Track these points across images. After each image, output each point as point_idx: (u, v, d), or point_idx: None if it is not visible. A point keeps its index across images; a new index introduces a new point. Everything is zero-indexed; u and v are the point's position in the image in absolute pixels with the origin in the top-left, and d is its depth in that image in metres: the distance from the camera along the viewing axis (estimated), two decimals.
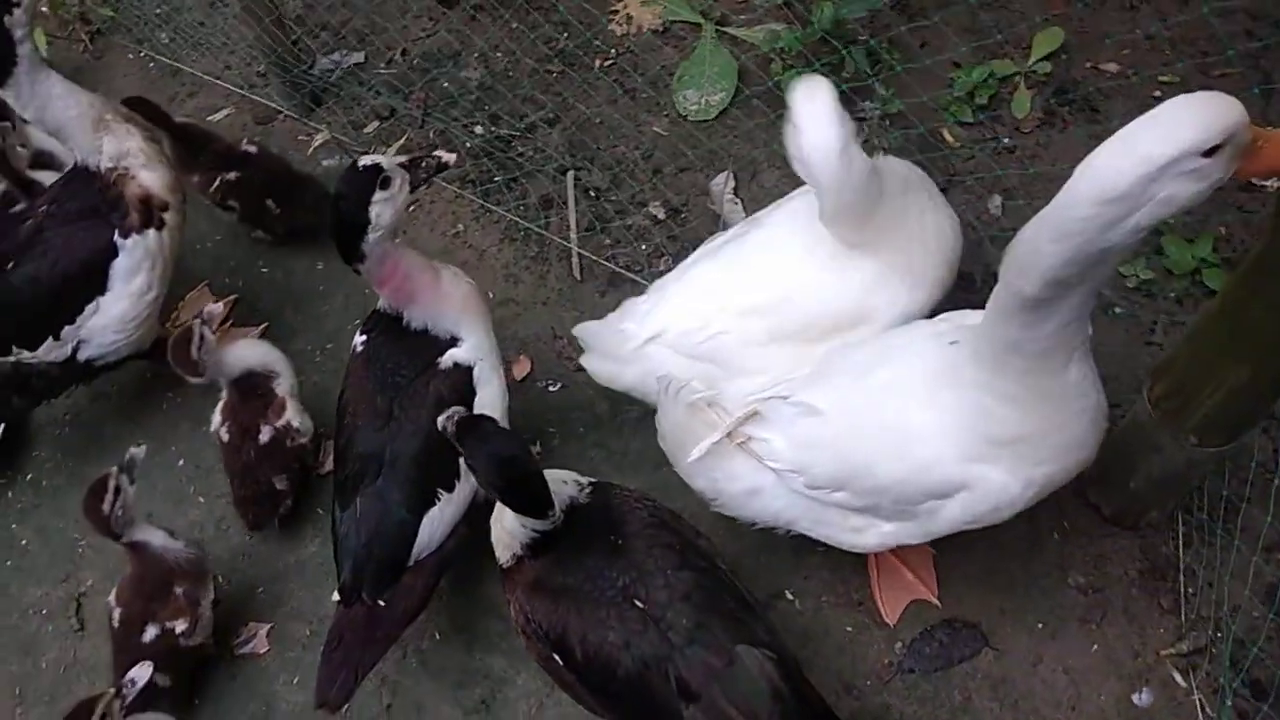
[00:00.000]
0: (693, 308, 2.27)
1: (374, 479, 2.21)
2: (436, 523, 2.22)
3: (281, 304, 3.11)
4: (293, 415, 2.64)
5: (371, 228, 2.01)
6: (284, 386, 2.65)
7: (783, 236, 2.30)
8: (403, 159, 2.06)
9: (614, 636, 1.93)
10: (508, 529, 2.03)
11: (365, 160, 2.02)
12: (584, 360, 2.43)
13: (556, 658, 2.03)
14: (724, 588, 2.05)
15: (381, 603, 2.19)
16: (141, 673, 2.21)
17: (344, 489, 2.24)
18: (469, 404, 2.25)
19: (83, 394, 3.04)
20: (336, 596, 2.24)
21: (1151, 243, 2.72)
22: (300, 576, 2.68)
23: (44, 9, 3.70)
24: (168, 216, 2.60)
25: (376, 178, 2.00)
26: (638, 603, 1.96)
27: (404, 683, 2.48)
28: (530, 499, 1.92)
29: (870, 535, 2.10)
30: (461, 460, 1.99)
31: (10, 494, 2.93)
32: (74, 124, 2.45)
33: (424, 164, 2.08)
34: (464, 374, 2.25)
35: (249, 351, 2.67)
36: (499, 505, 2.06)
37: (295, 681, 2.53)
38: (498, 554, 2.12)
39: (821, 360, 2.13)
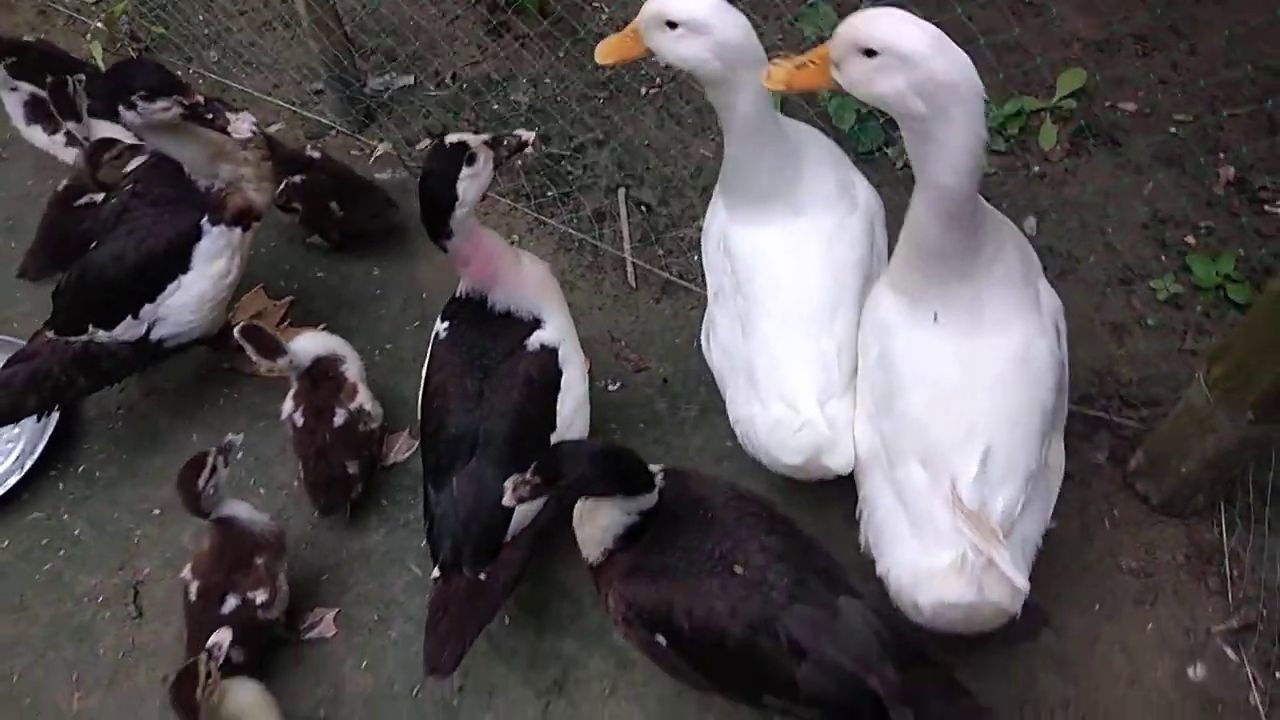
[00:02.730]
0: (808, 360, 2.28)
1: (468, 458, 2.26)
2: None
3: (337, 307, 3.18)
4: (364, 399, 2.70)
5: (459, 203, 2.11)
6: (353, 371, 2.72)
7: (779, 263, 2.37)
8: (486, 137, 2.15)
9: (720, 605, 1.99)
10: (601, 525, 2.09)
11: (451, 138, 2.11)
12: (829, 463, 2.24)
13: (661, 640, 2.08)
14: (813, 547, 2.14)
15: (483, 576, 2.23)
16: (223, 636, 2.22)
17: (438, 470, 2.29)
18: (556, 383, 2.34)
19: (136, 389, 3.06)
20: (436, 573, 2.27)
21: (1178, 260, 2.94)
22: (365, 564, 2.70)
23: (99, 24, 3.78)
24: (255, 223, 2.72)
25: (463, 155, 2.10)
26: (737, 569, 2.04)
27: (475, 666, 2.50)
28: (639, 475, 2.01)
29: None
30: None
31: (61, 485, 2.92)
32: (187, 158, 2.57)
33: (505, 143, 2.18)
34: (550, 355, 2.33)
35: (314, 342, 2.73)
36: (583, 508, 2.14)
37: (364, 665, 2.54)
38: (586, 553, 2.18)
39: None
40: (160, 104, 2.36)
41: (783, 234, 2.36)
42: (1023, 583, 1.92)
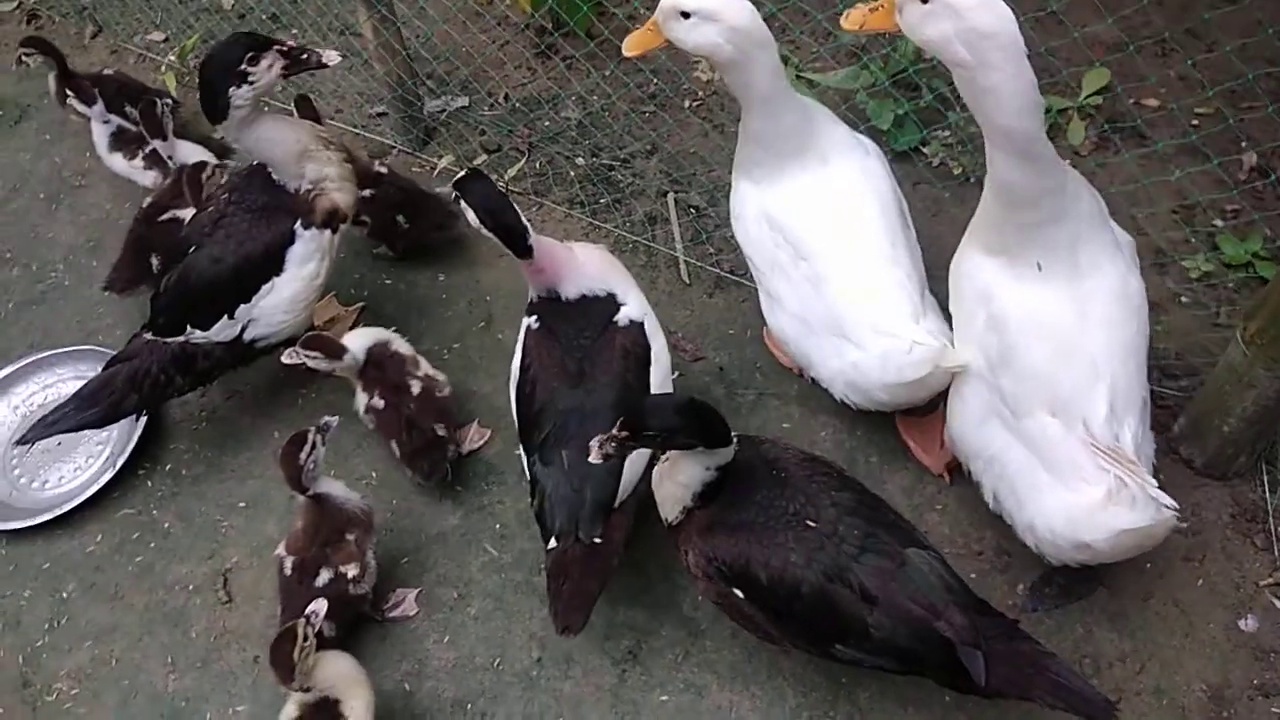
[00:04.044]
0: (888, 291, 2.48)
1: (577, 431, 2.38)
2: (635, 465, 2.39)
3: (406, 312, 3.34)
4: (428, 367, 2.88)
5: (529, 233, 2.37)
6: (405, 348, 2.90)
7: (827, 211, 2.56)
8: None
9: (795, 557, 2.12)
10: (682, 481, 2.22)
11: (478, 179, 2.39)
12: (952, 363, 2.39)
13: (738, 592, 2.21)
14: (882, 504, 2.27)
15: (598, 540, 2.33)
16: (320, 605, 2.36)
17: (545, 446, 2.40)
18: (647, 356, 2.49)
19: (218, 392, 3.22)
20: (552, 544, 2.36)
21: (1208, 242, 3.07)
22: (443, 547, 2.83)
23: (172, 58, 4.02)
24: (343, 225, 2.89)
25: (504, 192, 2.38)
26: (810, 523, 2.17)
27: (552, 637, 2.60)
28: (719, 427, 2.13)
29: None
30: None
31: (150, 483, 3.07)
32: (278, 158, 2.73)
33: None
34: (639, 329, 2.51)
35: (362, 337, 2.88)
36: (663, 469, 2.28)
37: (446, 640, 2.67)
38: (666, 513, 2.32)
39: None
40: (265, 61, 2.53)
41: (819, 182, 2.57)
42: (1172, 502, 2.06)
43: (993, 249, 2.27)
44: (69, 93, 3.57)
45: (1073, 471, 2.16)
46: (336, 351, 2.80)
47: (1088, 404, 2.16)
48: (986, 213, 2.26)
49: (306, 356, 2.78)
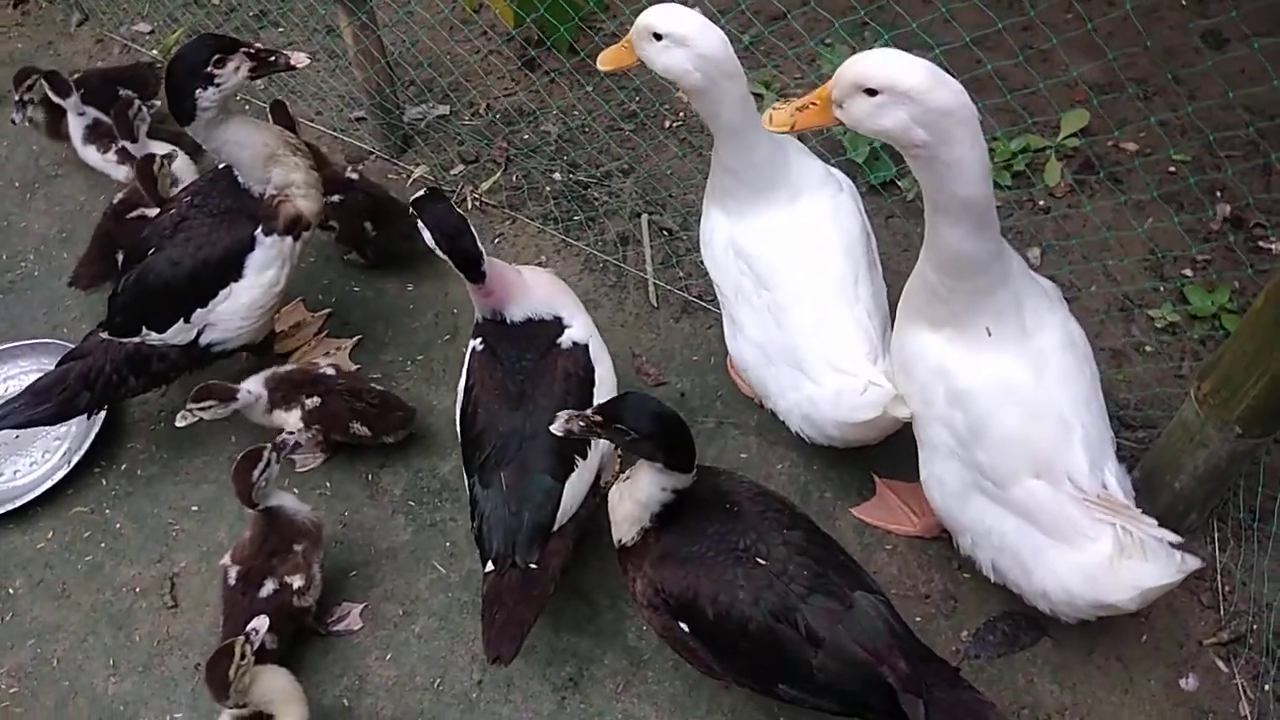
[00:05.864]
0: (847, 329, 2.48)
1: (516, 453, 2.36)
2: (576, 488, 2.37)
3: (373, 320, 3.33)
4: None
5: (483, 259, 2.36)
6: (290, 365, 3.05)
7: (794, 246, 2.56)
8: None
9: (743, 594, 2.11)
10: (642, 501, 2.20)
11: (437, 200, 2.36)
12: (899, 413, 2.39)
13: (683, 626, 2.20)
14: (832, 544, 2.26)
15: (534, 565, 2.30)
16: (261, 622, 2.35)
17: (485, 468, 2.38)
18: (590, 378, 2.48)
19: (178, 392, 3.18)
20: (489, 568, 2.33)
21: (1176, 292, 3.07)
22: (392, 562, 2.82)
23: (156, 53, 4.01)
24: (305, 233, 2.87)
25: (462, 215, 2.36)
26: (760, 560, 2.15)
27: None
28: (686, 451, 2.11)
29: None
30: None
31: (105, 482, 3.06)
32: (244, 161, 2.70)
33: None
34: (583, 351, 2.49)
35: (255, 378, 2.93)
36: (622, 487, 2.26)
37: (388, 658, 2.66)
38: (621, 534, 2.29)
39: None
40: (232, 63, 2.51)
41: (789, 218, 2.57)
42: (1175, 537, 2.09)
43: (938, 322, 2.23)
44: (47, 84, 3.54)
45: (1072, 530, 2.17)
46: (228, 394, 2.81)
47: (1068, 458, 2.17)
48: (929, 288, 2.21)
49: (201, 411, 2.79)
